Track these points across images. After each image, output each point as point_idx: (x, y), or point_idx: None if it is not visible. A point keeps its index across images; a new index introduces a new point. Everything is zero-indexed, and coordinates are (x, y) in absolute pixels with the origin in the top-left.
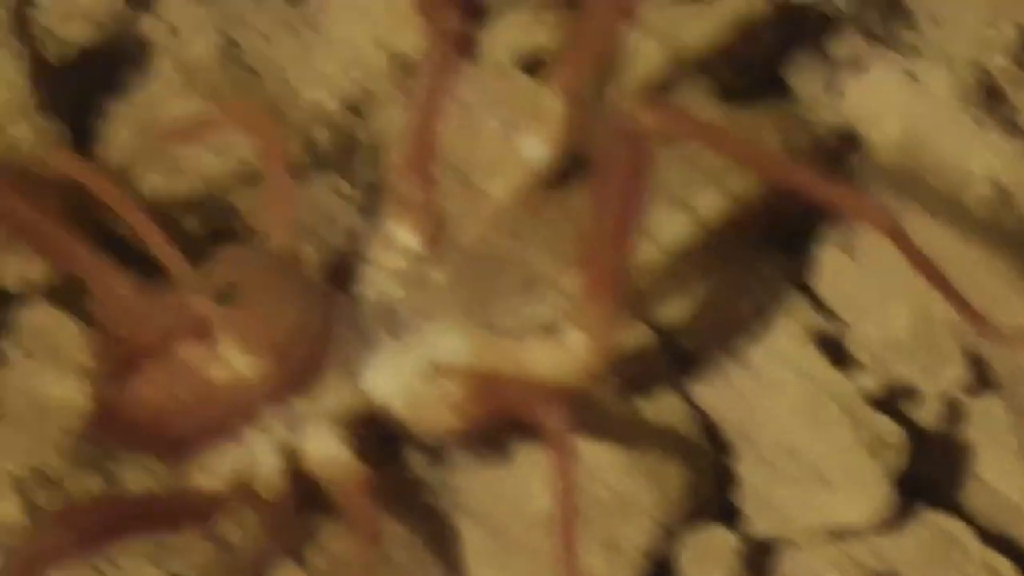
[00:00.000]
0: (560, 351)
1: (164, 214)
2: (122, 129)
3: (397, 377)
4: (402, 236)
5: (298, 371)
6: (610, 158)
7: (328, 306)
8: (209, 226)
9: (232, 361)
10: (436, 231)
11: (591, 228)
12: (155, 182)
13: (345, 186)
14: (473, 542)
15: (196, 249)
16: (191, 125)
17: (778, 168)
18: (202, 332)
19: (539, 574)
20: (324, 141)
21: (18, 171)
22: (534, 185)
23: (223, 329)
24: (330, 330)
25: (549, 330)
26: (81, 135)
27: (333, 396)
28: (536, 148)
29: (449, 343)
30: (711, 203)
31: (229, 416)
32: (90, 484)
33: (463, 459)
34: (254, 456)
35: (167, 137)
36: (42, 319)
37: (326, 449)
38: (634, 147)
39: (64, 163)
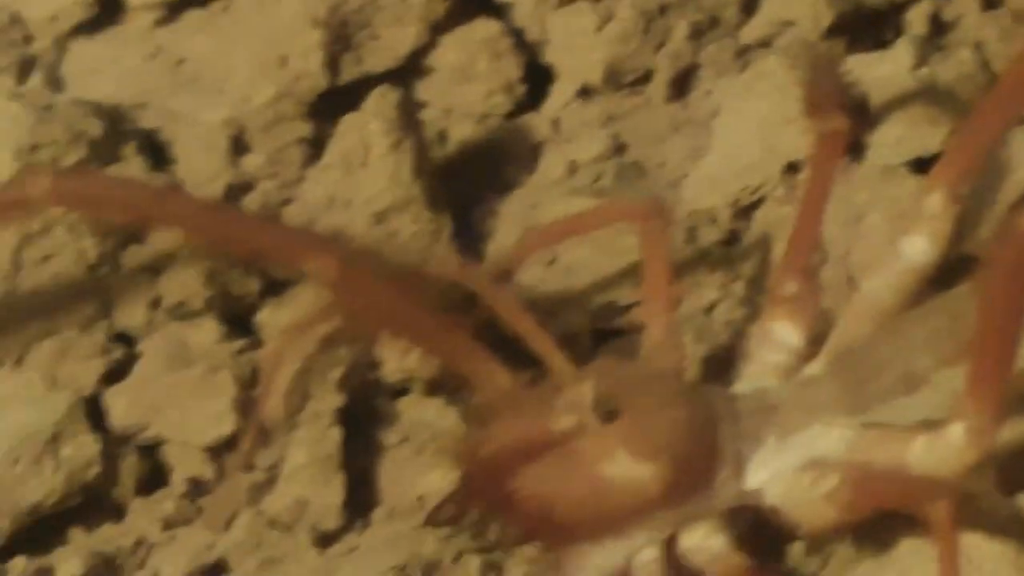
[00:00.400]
0: (941, 445)
1: (546, 311)
2: (508, 226)
3: (779, 473)
4: (782, 332)
5: (693, 474)
6: (995, 260)
7: (711, 405)
8: (592, 324)
9: (628, 469)
10: (816, 328)
11: (977, 328)
12: (538, 278)
13: (727, 280)
14: None
15: (578, 347)
16: (576, 219)
17: None
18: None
19: None
20: (708, 238)
21: (403, 268)
22: (916, 284)
23: (617, 442)
24: (716, 430)
25: (931, 427)
26: (466, 231)
27: (719, 495)
28: (919, 247)
29: (830, 439)
30: None
31: (622, 516)
32: (470, 569)
33: (845, 553)
34: (634, 550)
35: (552, 232)
36: (421, 410)
37: (705, 541)
38: (1018, 254)
39: (446, 264)
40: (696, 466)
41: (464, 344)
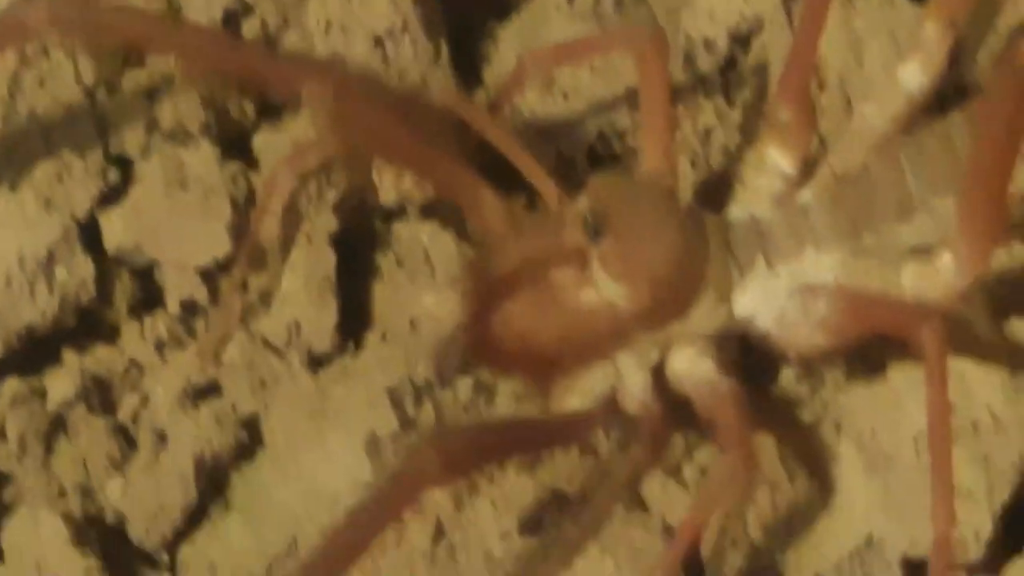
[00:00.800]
0: (932, 272)
1: (543, 135)
2: (507, 51)
3: (769, 299)
4: (776, 158)
5: (672, 298)
6: (995, 89)
7: (701, 229)
8: (589, 148)
9: (606, 290)
10: (810, 155)
11: (972, 155)
12: (536, 102)
13: (724, 106)
14: (847, 457)
15: (575, 172)
16: (574, 46)
17: None
18: (575, 261)
19: (911, 490)
20: (707, 65)
21: (398, 94)
22: (910, 112)
23: (596, 260)
24: (704, 253)
25: (921, 253)
26: (465, 56)
27: (705, 318)
28: (914, 75)
29: (821, 266)
30: None
31: (600, 340)
32: (460, 393)
33: (838, 377)
34: (621, 376)
35: (551, 57)
36: (416, 233)
37: (693, 365)
38: (1019, 81)
39: (442, 92)
40: (679, 289)
41: (457, 171)
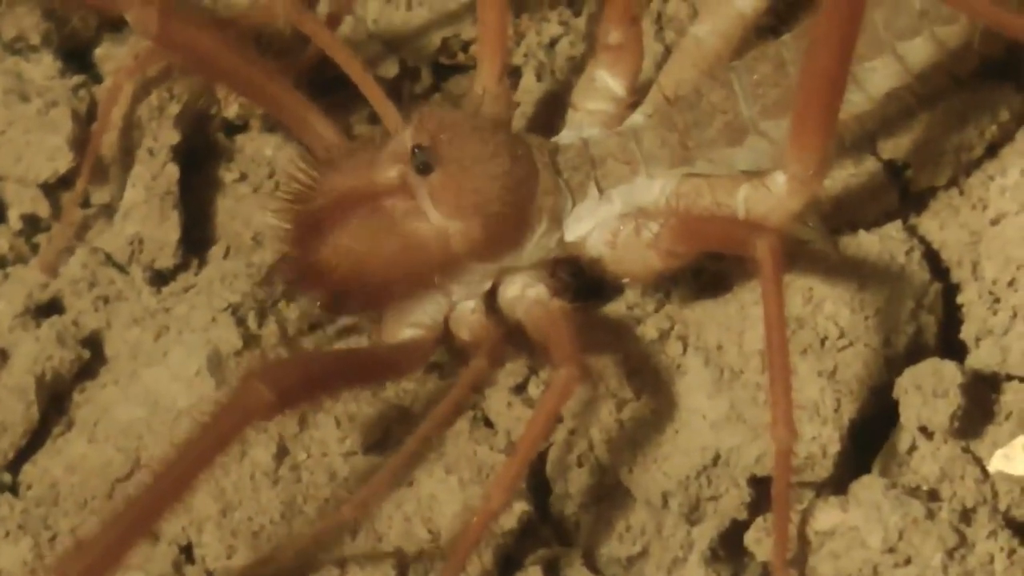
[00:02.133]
0: (766, 194)
1: (387, 45)
2: None
3: (602, 224)
4: (606, 80)
5: (506, 229)
6: (823, 7)
7: (531, 157)
8: (434, 58)
9: (438, 224)
10: (640, 77)
11: (801, 76)
12: (380, 12)
13: (569, 15)
14: (694, 372)
15: (420, 82)
16: None
17: (989, 11)
18: (402, 193)
19: (758, 405)
20: None
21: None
22: (743, 32)
23: (427, 195)
24: (536, 182)
25: (755, 175)
26: None
27: (539, 247)
28: None
29: (653, 190)
30: (919, 50)
31: (433, 272)
32: (305, 306)
33: (685, 292)
34: (453, 305)
35: None
36: (261, 146)
37: (524, 291)
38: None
39: (283, 8)
40: (510, 221)
41: (288, 94)
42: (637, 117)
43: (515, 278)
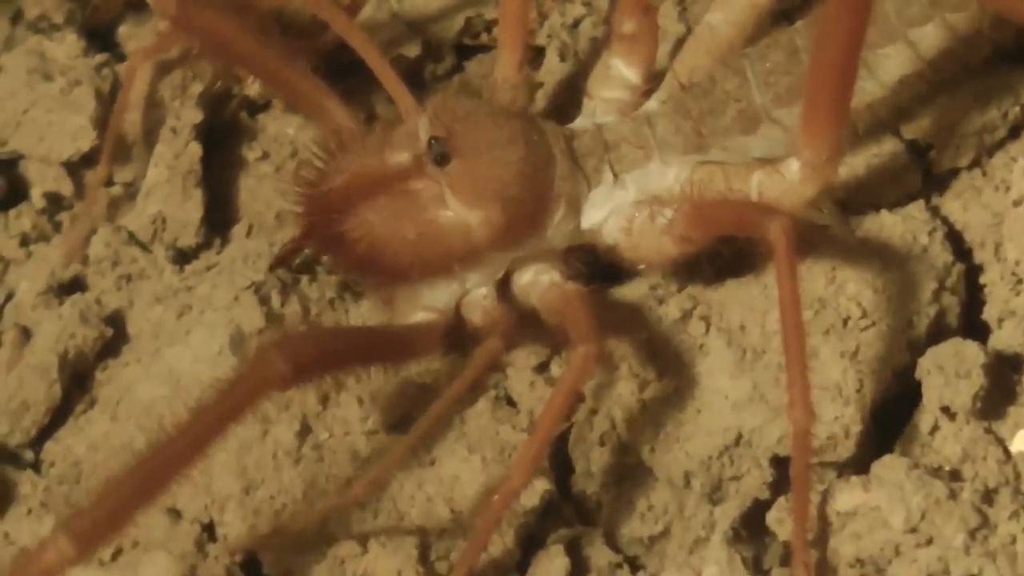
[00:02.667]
0: (780, 181)
1: (410, 25)
2: None
3: (617, 210)
4: (621, 68)
5: (526, 217)
6: None
7: (547, 144)
8: (457, 38)
9: (459, 213)
10: (655, 65)
11: (813, 64)
12: None
13: None
14: (716, 352)
15: (442, 62)
16: None
17: None
18: (420, 181)
19: (780, 386)
20: None
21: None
22: (757, 19)
23: (446, 185)
24: (552, 168)
25: (769, 162)
26: None
27: (557, 234)
28: None
29: (667, 177)
30: (931, 37)
31: (452, 259)
32: (326, 288)
33: (707, 272)
34: (467, 290)
35: None
36: (283, 126)
37: (538, 277)
38: None
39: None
40: (528, 210)
41: (305, 79)
42: (652, 104)
43: (529, 265)
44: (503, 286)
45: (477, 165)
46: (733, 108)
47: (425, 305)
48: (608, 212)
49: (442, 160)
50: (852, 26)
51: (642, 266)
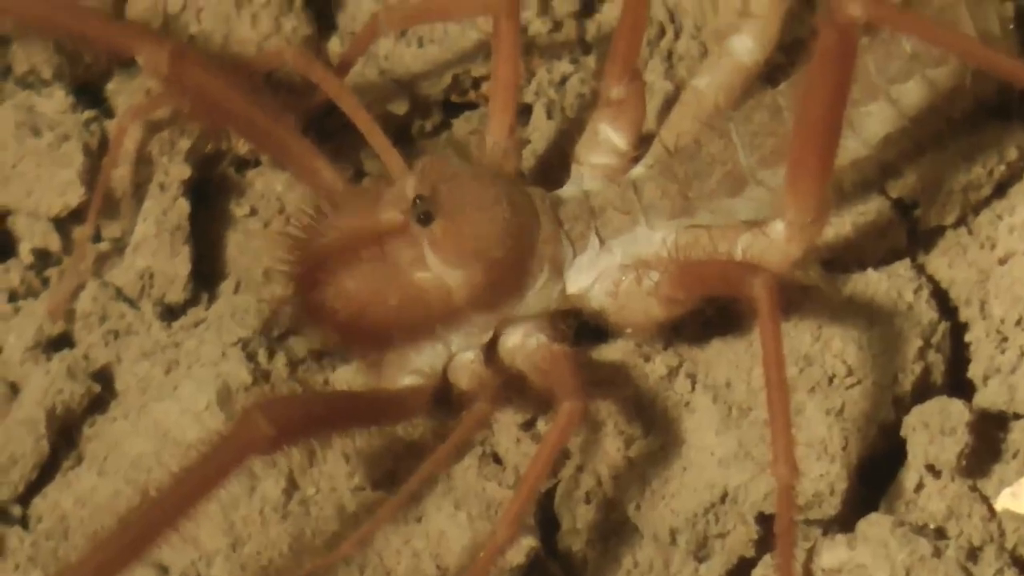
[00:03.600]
0: (766, 242)
1: (398, 82)
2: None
3: (603, 275)
4: (609, 134)
5: (507, 280)
6: (817, 52)
7: (533, 208)
8: (445, 94)
9: (440, 273)
10: (642, 129)
11: (796, 119)
12: (391, 48)
13: (579, 53)
14: (702, 409)
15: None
16: (430, 7)
17: (981, 52)
18: (404, 241)
19: (761, 441)
20: (563, 9)
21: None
22: (743, 83)
23: (428, 244)
24: (537, 233)
25: (753, 226)
26: (321, 1)
27: (540, 298)
28: (746, 46)
29: (653, 241)
30: (913, 93)
31: (434, 321)
32: (313, 343)
33: (694, 329)
34: (452, 354)
35: (405, 17)
36: (271, 182)
37: (525, 341)
38: (842, 38)
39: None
40: (511, 271)
41: (294, 140)
42: (639, 169)
43: (516, 328)
44: (489, 349)
45: (459, 225)
46: (719, 171)
47: (412, 369)
48: (594, 277)
49: (425, 219)
50: (835, 85)
51: (629, 330)
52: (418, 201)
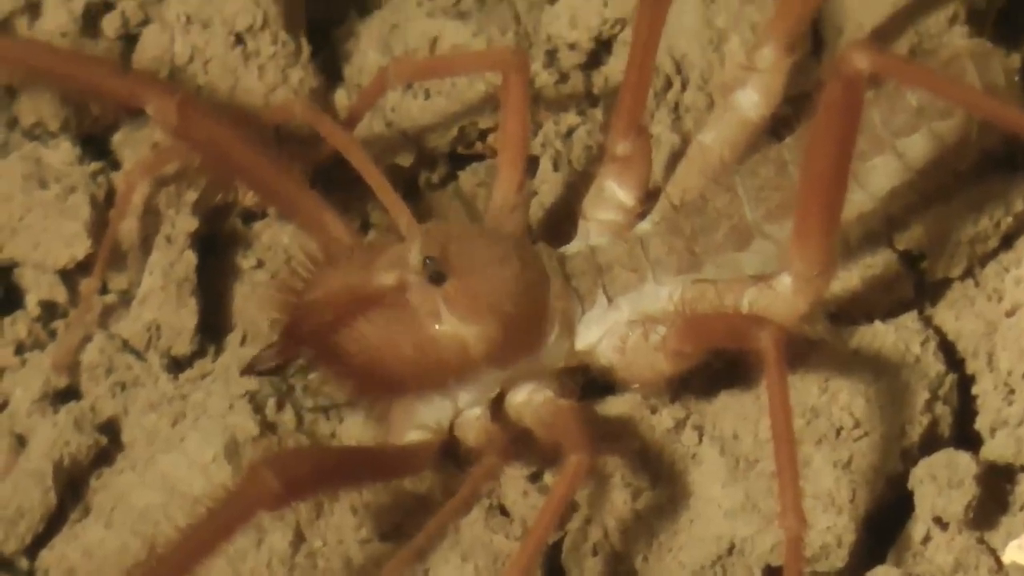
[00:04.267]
0: (772, 296)
1: (405, 133)
2: (368, 48)
3: (610, 331)
4: (615, 190)
5: (522, 335)
6: (822, 105)
7: (541, 265)
8: (452, 146)
9: (455, 329)
10: (649, 185)
11: (802, 172)
12: (398, 100)
13: (586, 105)
14: (709, 461)
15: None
16: (438, 62)
17: (986, 104)
18: (416, 299)
19: (773, 495)
20: (569, 61)
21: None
22: (749, 137)
23: (442, 302)
24: (547, 289)
25: (759, 280)
26: (326, 53)
27: (551, 354)
28: (751, 100)
29: (660, 297)
30: (918, 146)
31: (446, 375)
32: (320, 397)
33: (701, 381)
34: (459, 409)
35: (414, 71)
36: (278, 234)
37: (532, 397)
38: (847, 90)
39: (300, 109)
40: (523, 328)
41: (300, 192)
42: (645, 225)
43: (524, 384)
44: (496, 405)
45: (473, 280)
46: (725, 225)
47: (419, 423)
48: (602, 334)
49: (437, 279)
50: (841, 138)
51: (636, 385)
52: (428, 262)
